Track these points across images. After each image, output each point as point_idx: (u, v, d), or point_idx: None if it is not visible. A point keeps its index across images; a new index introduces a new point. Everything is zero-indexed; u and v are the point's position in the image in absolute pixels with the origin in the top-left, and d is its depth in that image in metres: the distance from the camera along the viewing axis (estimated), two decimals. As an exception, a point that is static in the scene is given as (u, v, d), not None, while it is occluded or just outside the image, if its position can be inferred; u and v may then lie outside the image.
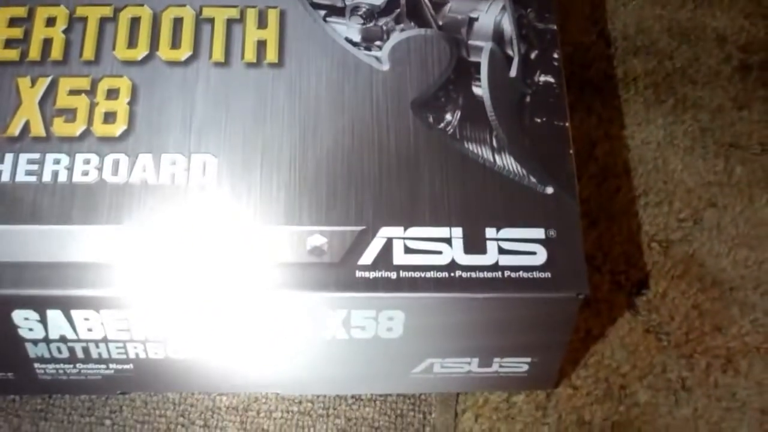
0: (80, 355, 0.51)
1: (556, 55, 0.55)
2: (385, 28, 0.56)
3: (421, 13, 0.57)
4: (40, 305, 0.48)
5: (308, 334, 0.50)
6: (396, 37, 0.55)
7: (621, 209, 0.62)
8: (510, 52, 0.55)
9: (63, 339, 0.50)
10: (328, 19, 0.56)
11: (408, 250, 0.48)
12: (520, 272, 0.48)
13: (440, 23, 0.56)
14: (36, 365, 0.51)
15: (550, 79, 0.54)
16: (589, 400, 0.55)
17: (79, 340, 0.50)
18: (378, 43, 0.55)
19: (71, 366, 0.51)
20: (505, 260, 0.48)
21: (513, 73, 0.55)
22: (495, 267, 0.48)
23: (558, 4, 0.58)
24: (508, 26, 0.56)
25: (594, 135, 0.64)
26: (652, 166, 0.63)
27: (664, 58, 0.68)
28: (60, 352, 0.50)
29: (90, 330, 0.49)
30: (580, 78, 0.66)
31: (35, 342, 0.50)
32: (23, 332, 0.49)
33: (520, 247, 0.49)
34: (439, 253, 0.48)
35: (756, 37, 0.69)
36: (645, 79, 0.67)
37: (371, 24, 0.56)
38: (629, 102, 0.66)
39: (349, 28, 0.56)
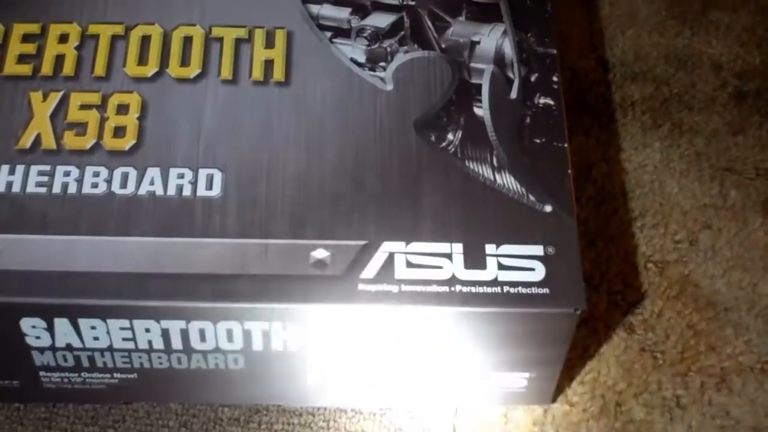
0: (85, 363, 0.51)
1: (555, 78, 0.57)
2: (389, 49, 0.57)
3: (425, 36, 0.58)
4: (48, 313, 0.49)
5: (310, 346, 0.50)
6: (400, 59, 0.57)
7: (618, 230, 0.63)
8: (511, 75, 0.57)
9: (69, 347, 0.50)
10: (334, 40, 0.58)
11: (409, 265, 0.49)
12: (519, 288, 0.49)
13: (443, 46, 0.57)
14: (41, 373, 0.52)
15: (550, 102, 0.56)
16: (585, 417, 0.56)
17: (85, 349, 0.50)
18: (382, 64, 0.57)
19: (76, 375, 0.52)
20: (505, 276, 0.49)
21: (513, 95, 0.56)
22: (494, 282, 0.49)
23: (558, 30, 0.60)
24: (508, 50, 0.57)
25: (592, 158, 0.66)
26: (648, 189, 0.64)
27: (661, 84, 0.69)
28: (66, 360, 0.51)
29: (96, 339, 0.50)
30: (578, 102, 0.68)
31: (42, 350, 0.50)
32: (30, 340, 0.50)
33: (519, 264, 0.50)
34: (440, 267, 0.49)
35: (751, 65, 0.70)
36: (642, 104, 0.68)
37: (376, 46, 0.57)
38: (627, 126, 0.67)
39: (355, 50, 0.57)
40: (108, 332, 0.50)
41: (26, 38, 0.56)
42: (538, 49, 0.58)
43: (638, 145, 0.66)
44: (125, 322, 0.49)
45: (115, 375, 0.52)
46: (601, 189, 0.64)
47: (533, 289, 0.49)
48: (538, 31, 0.58)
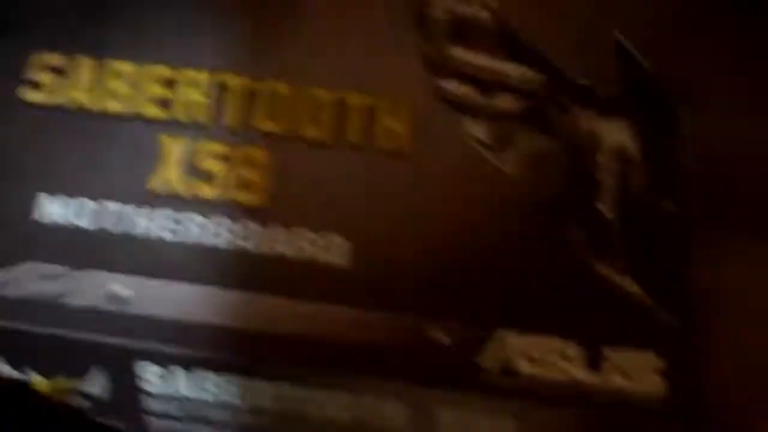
0: (193, 414, 0.52)
1: (679, 181, 0.57)
2: (513, 133, 0.58)
3: (550, 124, 0.59)
4: (164, 361, 0.49)
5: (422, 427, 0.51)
6: (524, 144, 0.57)
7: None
8: (634, 173, 0.57)
9: (179, 396, 0.51)
10: (459, 117, 0.58)
11: (528, 359, 0.49)
12: (634, 395, 0.49)
13: (567, 136, 0.58)
14: (147, 418, 0.52)
15: (673, 204, 0.56)
16: None
17: (193, 400, 0.51)
18: (506, 146, 0.57)
19: (181, 424, 0.52)
20: (620, 382, 0.49)
21: (637, 193, 0.56)
22: (609, 387, 0.49)
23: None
24: (633, 147, 0.57)
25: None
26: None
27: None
28: (173, 408, 0.51)
29: (206, 391, 0.50)
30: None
31: (152, 396, 0.51)
32: (143, 384, 0.50)
33: (635, 371, 0.50)
34: (557, 365, 0.49)
35: None
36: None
37: (500, 127, 0.58)
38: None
39: (479, 129, 0.58)
40: (219, 386, 0.50)
41: (159, 81, 0.57)
42: (664, 148, 0.58)
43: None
44: (237, 380, 0.50)
45: (216, 428, 0.53)
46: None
47: (648, 397, 0.49)
48: (663, 129, 0.59)
